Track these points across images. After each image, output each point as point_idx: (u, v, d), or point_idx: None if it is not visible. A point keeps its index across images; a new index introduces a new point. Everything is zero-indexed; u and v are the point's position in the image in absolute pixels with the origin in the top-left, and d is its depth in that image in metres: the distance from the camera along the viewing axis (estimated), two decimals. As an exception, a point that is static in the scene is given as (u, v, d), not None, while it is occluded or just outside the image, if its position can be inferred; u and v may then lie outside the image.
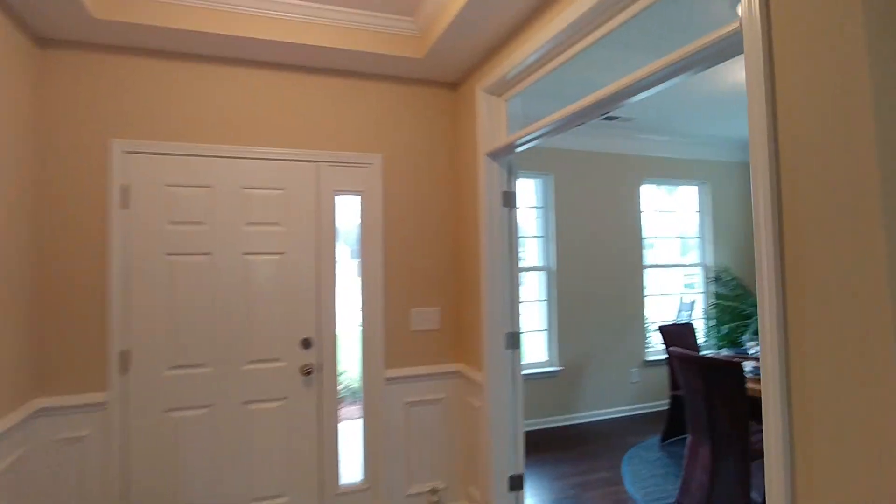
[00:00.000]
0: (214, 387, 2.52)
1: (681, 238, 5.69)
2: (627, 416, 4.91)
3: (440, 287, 2.96)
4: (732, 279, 5.26)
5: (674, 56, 1.44)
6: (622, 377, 4.93)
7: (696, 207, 5.58)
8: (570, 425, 4.66)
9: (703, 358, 2.82)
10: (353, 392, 4.63)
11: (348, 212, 2.96)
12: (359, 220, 2.84)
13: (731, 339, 4.97)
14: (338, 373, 2.76)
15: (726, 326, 4.90)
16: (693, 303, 5.81)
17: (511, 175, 2.70)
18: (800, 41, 1.09)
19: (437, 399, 2.92)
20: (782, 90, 1.13)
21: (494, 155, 2.63)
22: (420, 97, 2.97)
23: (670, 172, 5.25)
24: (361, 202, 2.84)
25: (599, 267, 4.88)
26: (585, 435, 4.40)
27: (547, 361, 4.73)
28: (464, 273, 2.93)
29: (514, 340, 2.66)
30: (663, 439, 4.17)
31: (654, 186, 5.36)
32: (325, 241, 2.74)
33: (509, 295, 2.66)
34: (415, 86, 2.96)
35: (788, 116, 1.11)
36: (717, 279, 5.39)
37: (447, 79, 2.97)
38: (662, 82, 1.65)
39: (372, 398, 2.79)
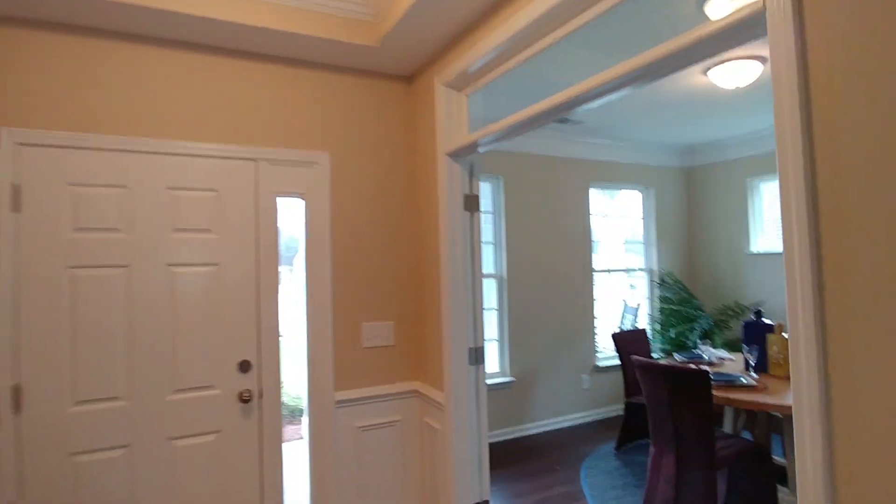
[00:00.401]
0: (132, 423, 2.13)
1: (626, 242, 5.75)
2: (579, 424, 4.85)
3: (395, 299, 2.71)
4: (676, 283, 5.35)
5: (685, 39, 1.28)
6: (573, 384, 4.87)
7: (641, 212, 5.65)
8: (524, 437, 4.53)
9: (670, 366, 2.75)
10: (293, 411, 4.26)
11: (292, 217, 2.65)
12: (304, 226, 2.54)
13: (678, 343, 5.04)
14: (282, 397, 2.45)
15: (674, 330, 4.96)
16: (637, 307, 5.89)
17: (473, 177, 2.50)
18: (840, 14, 0.95)
19: (393, 422, 2.66)
20: (816, 73, 0.99)
21: (455, 155, 2.42)
22: (373, 90, 2.72)
23: (616, 176, 5.28)
24: (306, 206, 2.54)
25: (549, 272, 4.79)
26: (540, 447, 4.28)
27: (499, 372, 4.58)
28: (422, 283, 2.70)
29: (477, 356, 2.46)
30: (618, 446, 4.12)
31: (599, 191, 5.37)
32: (265, 249, 2.42)
33: (472, 306, 2.46)
34: (367, 78, 2.71)
35: (825, 101, 0.98)
36: (662, 283, 5.47)
37: (403, 71, 2.73)
38: (654, 75, 1.50)
39: (320, 425, 2.49)
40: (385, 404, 2.64)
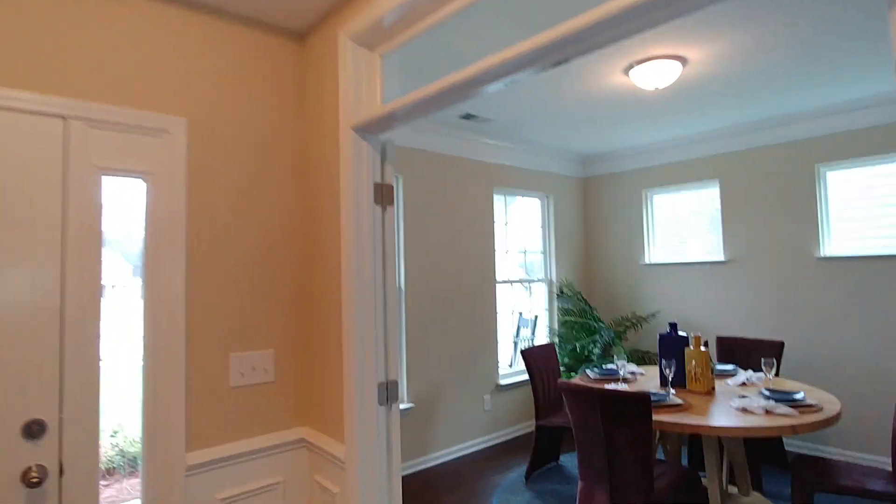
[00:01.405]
0: None
1: (522, 252, 5.53)
2: (482, 449, 4.44)
3: (278, 320, 2.04)
4: (575, 294, 5.22)
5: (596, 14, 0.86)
6: (475, 406, 4.46)
7: (539, 221, 5.47)
8: (427, 469, 4.00)
9: (605, 391, 2.41)
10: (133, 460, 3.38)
11: (126, 204, 1.88)
12: (144, 219, 1.79)
13: (581, 357, 4.88)
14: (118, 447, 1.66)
15: (578, 343, 4.78)
16: (535, 319, 5.69)
17: (385, 161, 1.95)
18: None
19: (272, 485, 1.98)
20: None
21: (365, 130, 1.85)
22: (253, 43, 2.05)
23: (518, 182, 5.03)
24: (150, 190, 1.80)
25: (451, 283, 4.36)
26: (445, 480, 3.78)
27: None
28: (315, 298, 2.06)
29: (390, 392, 1.89)
30: (528, 474, 3.76)
31: (499, 197, 5.08)
32: (80, 249, 1.63)
33: (383, 328, 1.89)
34: (245, 27, 2.03)
35: None
36: (561, 294, 5.31)
37: (295, 22, 2.09)
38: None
39: (162, 502, 1.74)
40: (261, 462, 1.96)
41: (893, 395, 3.68)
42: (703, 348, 3.06)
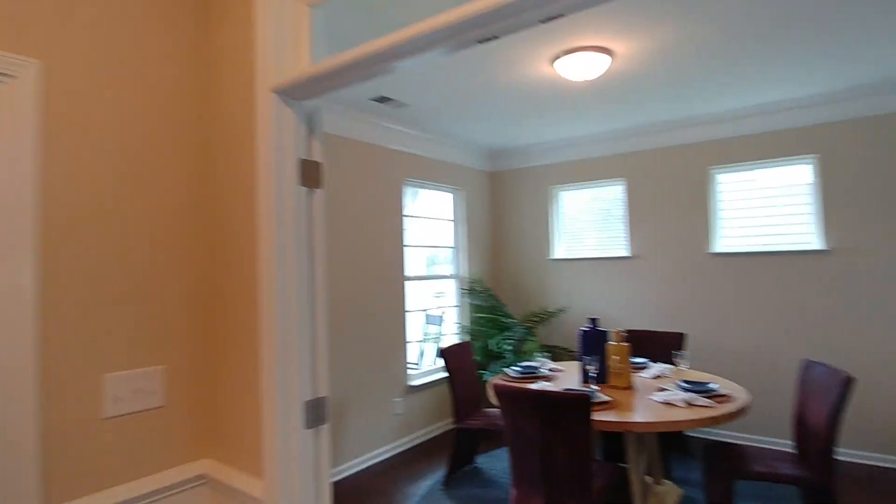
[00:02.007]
0: None
1: (435, 247, 5.35)
2: (395, 455, 4.18)
3: (170, 328, 1.62)
4: (485, 290, 5.15)
5: None
6: (385, 411, 4.19)
7: (450, 215, 5.31)
8: (337, 483, 3.65)
9: (542, 393, 2.28)
10: None
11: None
12: (-27, 194, 1.29)
13: (495, 354, 4.80)
14: None
15: (492, 341, 4.68)
16: (443, 316, 5.54)
17: (314, 135, 1.62)
18: None
19: (163, 537, 1.57)
20: None
21: (288, 94, 1.51)
22: (131, -29, 1.60)
23: (430, 174, 4.82)
24: (-19, 155, 1.30)
25: (359, 280, 4.04)
26: (357, 493, 3.47)
27: (302, 406, 3.61)
28: (223, 300, 1.67)
29: (318, 412, 1.57)
30: (446, 480, 3.57)
31: (410, 189, 4.84)
32: None
33: (311, 334, 1.57)
34: (119, -50, 1.57)
35: None
36: (471, 290, 5.21)
37: (187, -44, 1.67)
38: None
39: (4, 582, 1.27)
40: (147, 509, 1.54)
41: (779, 380, 4.03)
42: (624, 343, 3.08)
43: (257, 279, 1.53)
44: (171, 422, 1.61)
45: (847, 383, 2.41)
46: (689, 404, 2.66)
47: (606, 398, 2.75)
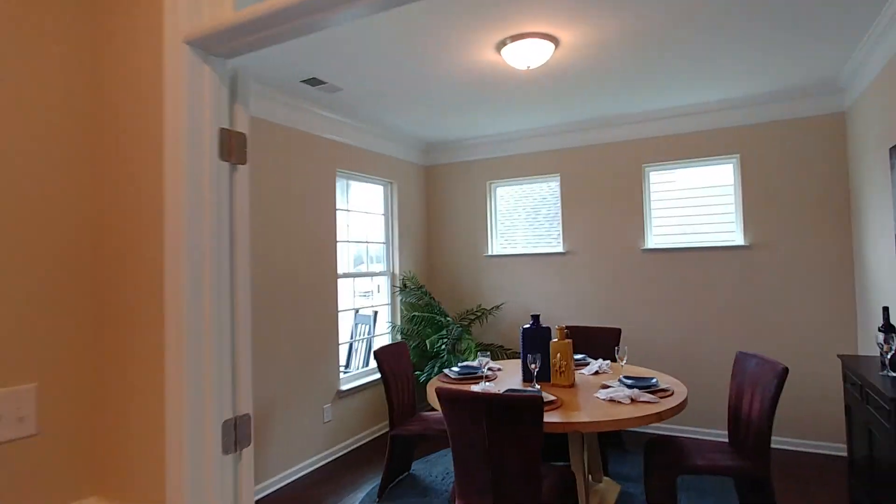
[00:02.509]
0: None
1: (367, 242, 5.09)
2: (325, 465, 3.89)
3: (43, 336, 1.29)
4: (419, 288, 4.96)
5: None
6: (314, 419, 3.89)
7: (382, 209, 5.07)
8: (262, 500, 3.31)
9: (494, 396, 2.12)
10: None
11: None
12: None
13: (431, 354, 4.62)
14: None
15: (428, 340, 4.50)
16: (375, 315, 5.29)
17: (237, 99, 1.35)
18: None
19: None
20: None
21: (206, 48, 1.24)
22: None
23: (362, 166, 4.56)
24: None
25: (288, 278, 3.71)
26: (282, 513, 3.16)
27: (220, 417, 3.24)
28: (114, 300, 1.36)
29: (239, 434, 1.31)
30: (381, 491, 3.35)
31: (342, 181, 4.55)
32: None
33: (230, 340, 1.30)
34: None
35: None
36: (404, 288, 5.00)
37: None
38: None
39: None
40: (13, 567, 1.20)
41: (710, 371, 4.16)
42: (567, 340, 3.01)
43: (163, 273, 1.24)
44: (46, 454, 1.28)
45: (783, 374, 2.46)
46: (634, 401, 2.62)
47: (551, 398, 2.65)
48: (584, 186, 4.67)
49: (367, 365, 4.97)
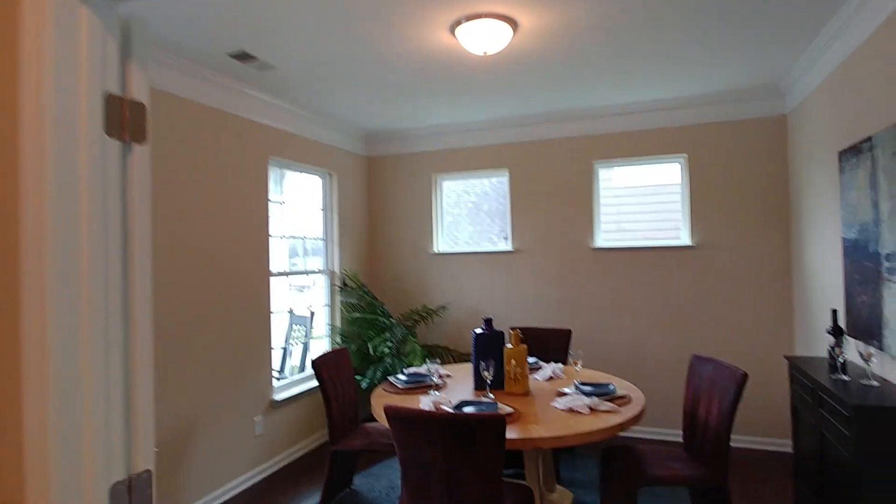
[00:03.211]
0: None
1: (304, 238, 4.71)
2: (256, 483, 3.53)
3: None
4: (360, 287, 4.66)
5: None
6: (244, 433, 3.52)
7: (320, 202, 4.71)
8: (177, 536, 2.92)
9: (451, 416, 1.89)
10: None
11: None
12: None
13: (373, 359, 4.33)
14: None
15: (371, 344, 4.21)
16: (312, 317, 4.93)
17: (132, 59, 1.02)
18: None
19: None
20: None
21: (83, -17, 0.92)
22: None
23: (298, 154, 4.19)
24: None
25: (211, 277, 3.31)
26: (204, 545, 2.79)
27: (130, 439, 2.82)
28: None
29: (135, 499, 1.00)
30: (319, 513, 3.05)
31: (275, 170, 4.16)
32: None
33: (123, 372, 0.99)
34: None
35: None
36: (344, 287, 4.68)
37: None
38: None
39: None
40: None
41: (660, 372, 4.13)
42: (522, 346, 2.84)
43: (18, 289, 0.91)
44: None
45: (742, 380, 2.39)
46: (594, 410, 2.48)
47: (508, 409, 2.46)
48: (533, 182, 4.54)
49: (304, 370, 4.62)
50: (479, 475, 1.92)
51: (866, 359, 2.31)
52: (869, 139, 2.40)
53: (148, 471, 1.01)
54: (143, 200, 1.03)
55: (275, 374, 3.98)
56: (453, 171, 4.85)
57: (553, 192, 4.47)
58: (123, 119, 0.99)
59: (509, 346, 2.84)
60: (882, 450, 2.00)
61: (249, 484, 3.51)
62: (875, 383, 2.29)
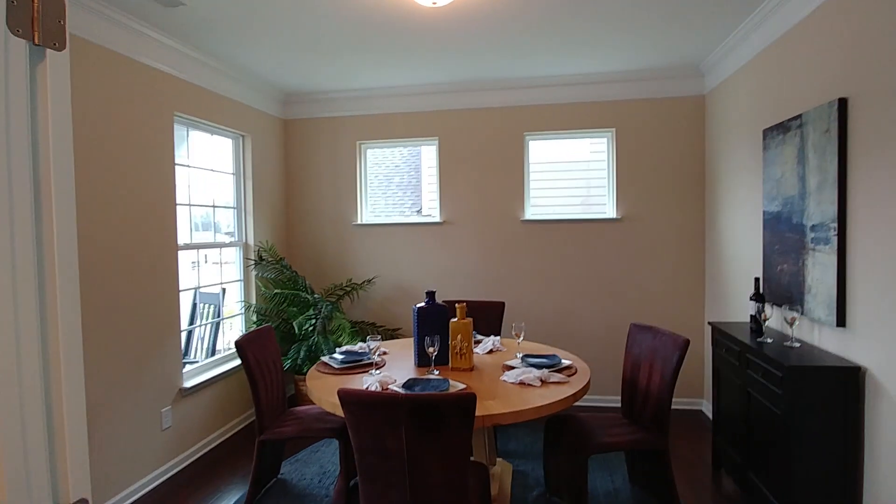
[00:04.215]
0: None
1: (213, 207, 4.23)
2: (166, 481, 3.14)
3: None
4: (279, 261, 4.29)
5: None
6: (149, 428, 3.10)
7: (231, 167, 4.24)
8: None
9: (416, 397, 1.73)
10: None
11: None
12: None
13: (297, 337, 4.02)
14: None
15: (295, 322, 3.89)
16: (222, 293, 4.47)
17: (40, -75, 0.72)
18: None
19: None
20: None
21: None
22: None
23: (207, 112, 3.70)
24: None
25: (108, 250, 2.83)
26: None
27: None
28: None
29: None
30: (249, 503, 2.78)
31: (183, 128, 3.65)
32: None
33: (42, 366, 0.72)
34: None
35: None
36: (260, 261, 4.28)
37: None
38: None
39: None
40: None
41: (591, 343, 4.24)
42: (468, 319, 2.73)
43: None
44: None
45: (684, 347, 2.48)
46: (544, 382, 2.45)
47: (461, 385, 2.36)
48: (464, 152, 4.41)
49: (214, 354, 4.19)
50: (444, 457, 1.79)
51: (790, 323, 2.48)
52: (798, 117, 2.54)
53: (84, 499, 0.75)
54: (60, 127, 0.74)
55: (186, 360, 3.55)
56: (379, 139, 4.58)
57: (483, 162, 4.38)
58: (31, 12, 0.69)
59: (455, 320, 2.73)
60: (811, 405, 2.16)
61: (161, 481, 3.11)
62: (797, 344, 2.47)
